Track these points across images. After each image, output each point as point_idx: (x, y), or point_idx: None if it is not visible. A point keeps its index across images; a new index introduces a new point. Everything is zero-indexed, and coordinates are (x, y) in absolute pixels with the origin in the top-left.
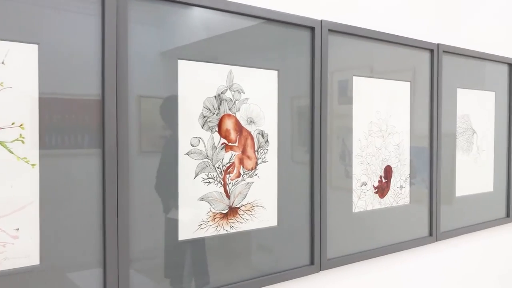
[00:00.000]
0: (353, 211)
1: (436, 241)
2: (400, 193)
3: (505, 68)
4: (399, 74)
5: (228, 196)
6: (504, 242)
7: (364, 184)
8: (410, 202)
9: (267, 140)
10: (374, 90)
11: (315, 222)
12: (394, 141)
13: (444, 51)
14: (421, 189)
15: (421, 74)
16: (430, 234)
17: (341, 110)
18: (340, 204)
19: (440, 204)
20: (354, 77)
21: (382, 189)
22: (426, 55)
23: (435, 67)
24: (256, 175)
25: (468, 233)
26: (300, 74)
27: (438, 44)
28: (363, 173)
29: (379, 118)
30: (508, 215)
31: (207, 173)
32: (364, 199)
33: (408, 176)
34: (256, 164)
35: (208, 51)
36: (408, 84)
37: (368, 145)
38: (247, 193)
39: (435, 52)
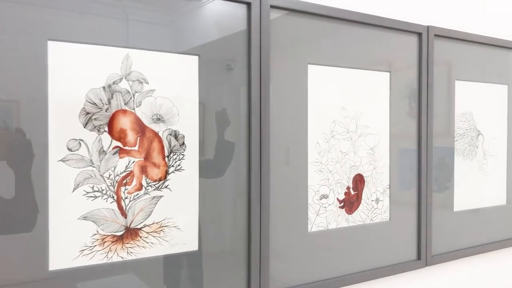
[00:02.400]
0: (309, 230)
1: (426, 266)
2: (376, 207)
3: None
4: (374, 64)
5: (124, 214)
6: None
7: (325, 197)
8: (390, 219)
9: (183, 143)
10: (337, 82)
11: (253, 245)
12: (367, 144)
13: (436, 35)
14: (406, 202)
15: (405, 63)
16: (419, 257)
17: (290, 106)
18: (291, 221)
19: (432, 220)
20: (309, 66)
21: (350, 203)
22: (412, 40)
23: (424, 55)
24: (166, 187)
25: (470, 256)
26: (232, 60)
27: (428, 27)
28: (323, 183)
29: (345, 116)
30: None
31: (92, 185)
32: (324, 216)
33: (388, 186)
34: (167, 173)
35: (92, 31)
36: (387, 75)
37: (330, 149)
38: (152, 210)
39: (423, 36)
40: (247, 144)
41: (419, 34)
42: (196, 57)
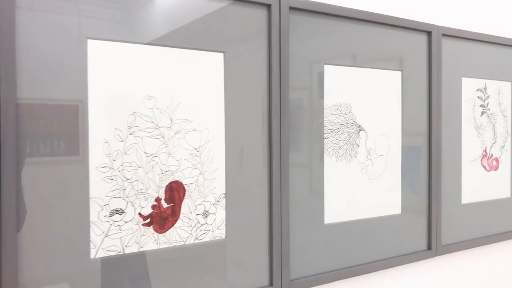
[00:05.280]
0: (92, 256)
1: None
2: (205, 223)
3: (422, 38)
4: (201, 41)
5: None
6: (423, 285)
7: (118, 212)
8: (226, 236)
9: None
10: (140, 64)
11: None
12: (189, 143)
13: (292, 8)
14: (252, 215)
15: (250, 39)
16: (271, 283)
17: (57, 90)
18: (62, 248)
19: (291, 235)
20: (89, 41)
21: (161, 219)
22: (260, 13)
23: (275, 30)
24: None
25: (351, 278)
26: None
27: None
28: (116, 194)
29: (152, 107)
30: (429, 247)
31: None
32: (118, 236)
33: (223, 196)
34: None
35: None
36: (220, 56)
37: (127, 150)
38: None
39: (274, 9)
40: None
41: (268, 6)
42: None
